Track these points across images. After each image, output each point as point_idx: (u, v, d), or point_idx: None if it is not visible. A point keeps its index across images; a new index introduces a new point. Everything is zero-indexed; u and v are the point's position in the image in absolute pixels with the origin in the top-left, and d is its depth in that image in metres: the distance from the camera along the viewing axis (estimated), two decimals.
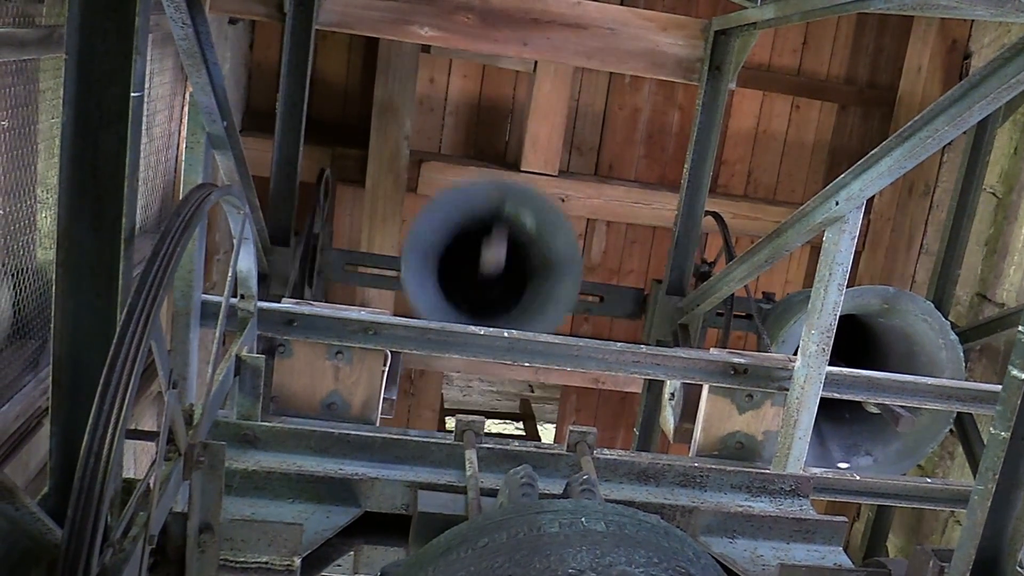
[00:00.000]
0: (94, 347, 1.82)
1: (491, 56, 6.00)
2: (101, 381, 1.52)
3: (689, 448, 3.63)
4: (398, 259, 5.56)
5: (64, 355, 1.82)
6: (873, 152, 2.91)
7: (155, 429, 2.35)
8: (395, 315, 3.44)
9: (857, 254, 5.96)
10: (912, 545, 5.97)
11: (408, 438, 2.91)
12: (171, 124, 4.55)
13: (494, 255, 4.37)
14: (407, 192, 6.23)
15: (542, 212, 4.74)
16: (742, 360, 3.49)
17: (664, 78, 5.02)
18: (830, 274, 3.10)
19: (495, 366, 6.51)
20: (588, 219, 6.89)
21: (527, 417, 10.17)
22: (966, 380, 4.77)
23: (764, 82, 6.72)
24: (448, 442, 2.90)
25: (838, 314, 3.15)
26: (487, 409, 10.74)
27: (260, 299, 3.13)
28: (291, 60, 4.55)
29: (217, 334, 2.31)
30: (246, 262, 2.83)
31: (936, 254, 5.54)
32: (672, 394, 3.84)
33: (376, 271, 5.56)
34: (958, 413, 4.92)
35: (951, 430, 5.04)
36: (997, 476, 1.87)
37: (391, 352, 3.45)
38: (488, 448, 2.89)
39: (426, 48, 6.00)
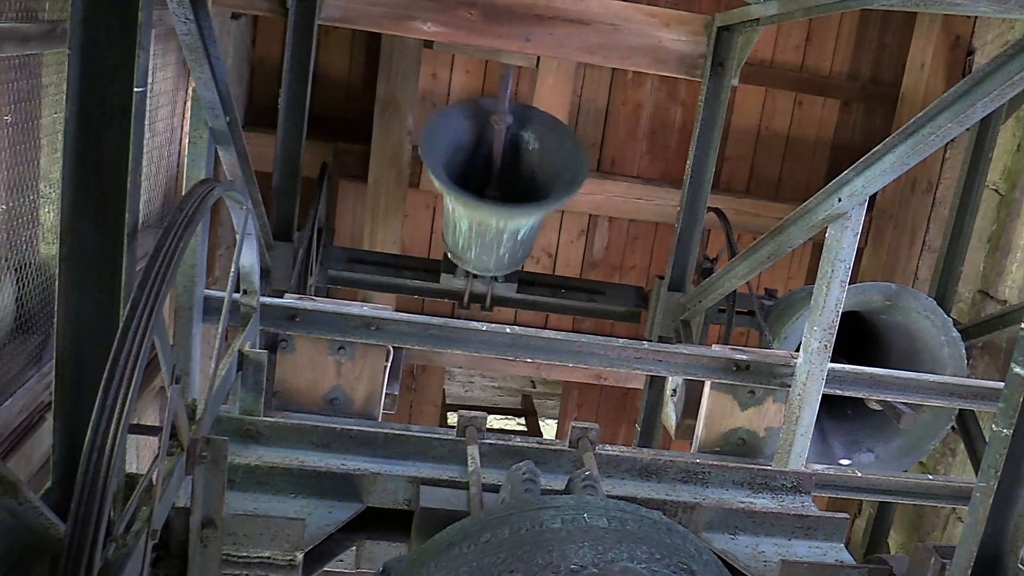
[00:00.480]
0: (97, 342, 1.82)
1: (494, 51, 5.99)
2: (104, 376, 1.53)
3: (691, 444, 3.63)
4: (400, 258, 5.57)
5: (67, 350, 1.82)
6: (876, 149, 2.91)
7: (158, 424, 2.35)
8: (397, 311, 3.45)
9: (859, 251, 5.94)
10: (913, 542, 5.97)
11: (410, 433, 2.92)
12: (174, 119, 4.55)
13: (502, 103, 4.43)
14: (409, 188, 6.23)
15: (548, 128, 4.80)
16: (744, 356, 3.49)
17: (667, 74, 5.01)
18: (832, 271, 3.09)
19: (497, 362, 6.52)
20: (590, 215, 6.89)
21: (529, 413, 10.18)
22: (968, 377, 4.78)
23: (767, 78, 6.71)
24: (450, 438, 2.91)
25: (840, 311, 3.14)
26: (489, 405, 10.75)
27: (262, 294, 3.14)
28: (293, 55, 4.55)
29: (220, 329, 2.31)
30: (249, 257, 2.83)
31: (938, 251, 5.53)
32: (674, 390, 3.84)
33: (378, 270, 5.54)
34: (960, 410, 4.92)
35: (953, 427, 5.04)
36: (999, 473, 1.87)
37: (393, 347, 3.45)
38: (490, 444, 2.90)
39: (428, 43, 6.00)
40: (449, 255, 5.04)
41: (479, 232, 4.62)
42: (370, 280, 5.41)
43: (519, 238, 4.71)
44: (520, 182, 4.77)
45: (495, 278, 5.19)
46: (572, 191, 4.51)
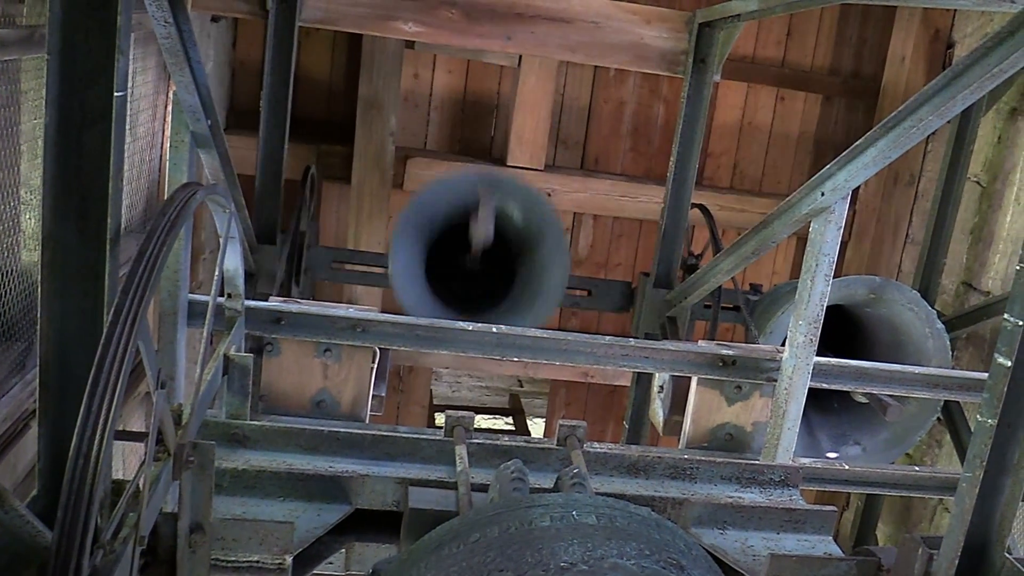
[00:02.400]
0: (81, 348, 1.81)
1: (475, 51, 5.99)
2: (89, 382, 1.52)
3: (679, 440, 3.64)
4: (385, 256, 5.55)
5: (51, 357, 1.81)
6: (858, 143, 2.92)
7: (144, 430, 2.34)
8: (383, 312, 3.44)
9: (843, 244, 5.97)
10: (901, 533, 6.00)
11: (398, 435, 2.91)
12: (155, 123, 4.53)
13: (483, 227, 4.34)
14: (393, 188, 6.21)
15: (529, 203, 4.72)
16: (730, 352, 3.50)
17: (649, 71, 5.02)
18: (817, 265, 3.10)
19: (484, 361, 6.51)
20: (575, 213, 6.89)
21: (516, 412, 10.18)
22: (953, 368, 4.80)
23: (749, 74, 6.73)
24: (438, 438, 2.90)
25: (825, 305, 3.15)
26: (476, 404, 10.74)
27: (247, 298, 3.12)
28: (274, 57, 4.54)
29: (205, 333, 2.30)
30: (233, 261, 2.82)
31: (922, 243, 5.56)
32: (661, 387, 3.84)
33: (363, 268, 5.55)
34: (945, 401, 4.95)
35: (938, 418, 5.07)
36: (984, 463, 1.88)
37: (380, 349, 3.45)
38: (478, 443, 2.89)
39: (410, 44, 5.99)
40: None
41: None
42: (355, 276, 5.38)
43: None
44: (500, 251, 4.68)
45: None
46: (547, 311, 4.48)
